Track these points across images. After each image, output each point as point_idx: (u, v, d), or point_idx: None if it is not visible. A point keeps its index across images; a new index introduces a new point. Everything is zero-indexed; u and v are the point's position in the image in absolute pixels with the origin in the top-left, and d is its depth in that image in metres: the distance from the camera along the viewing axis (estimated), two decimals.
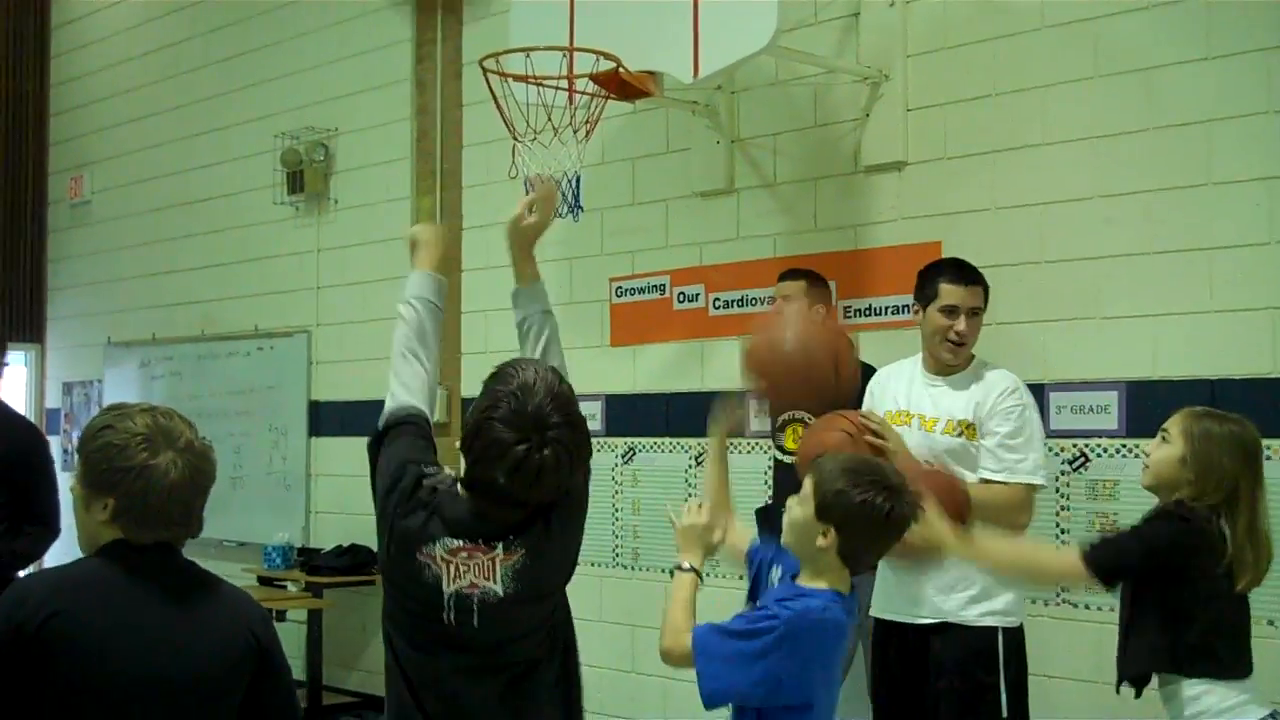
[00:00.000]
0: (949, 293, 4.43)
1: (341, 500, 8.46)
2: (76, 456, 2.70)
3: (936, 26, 5.74)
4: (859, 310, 5.92)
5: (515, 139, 5.64)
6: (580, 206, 5.86)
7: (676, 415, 6.67)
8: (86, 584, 2.55)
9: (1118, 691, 3.66)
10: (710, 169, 6.47)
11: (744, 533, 3.65)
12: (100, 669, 2.46)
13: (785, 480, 5.26)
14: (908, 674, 4.37)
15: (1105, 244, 5.22)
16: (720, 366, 6.47)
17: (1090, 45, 5.30)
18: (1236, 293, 4.91)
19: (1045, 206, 5.39)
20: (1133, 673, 3.57)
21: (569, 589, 2.99)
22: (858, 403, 4.55)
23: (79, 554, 2.69)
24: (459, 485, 2.82)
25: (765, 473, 6.13)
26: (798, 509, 3.09)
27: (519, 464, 2.66)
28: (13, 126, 11.19)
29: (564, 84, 5.55)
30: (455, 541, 2.75)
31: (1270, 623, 4.71)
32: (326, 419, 8.65)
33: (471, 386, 6.43)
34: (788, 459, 5.22)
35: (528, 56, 5.45)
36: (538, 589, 2.80)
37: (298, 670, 8.33)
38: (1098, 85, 5.28)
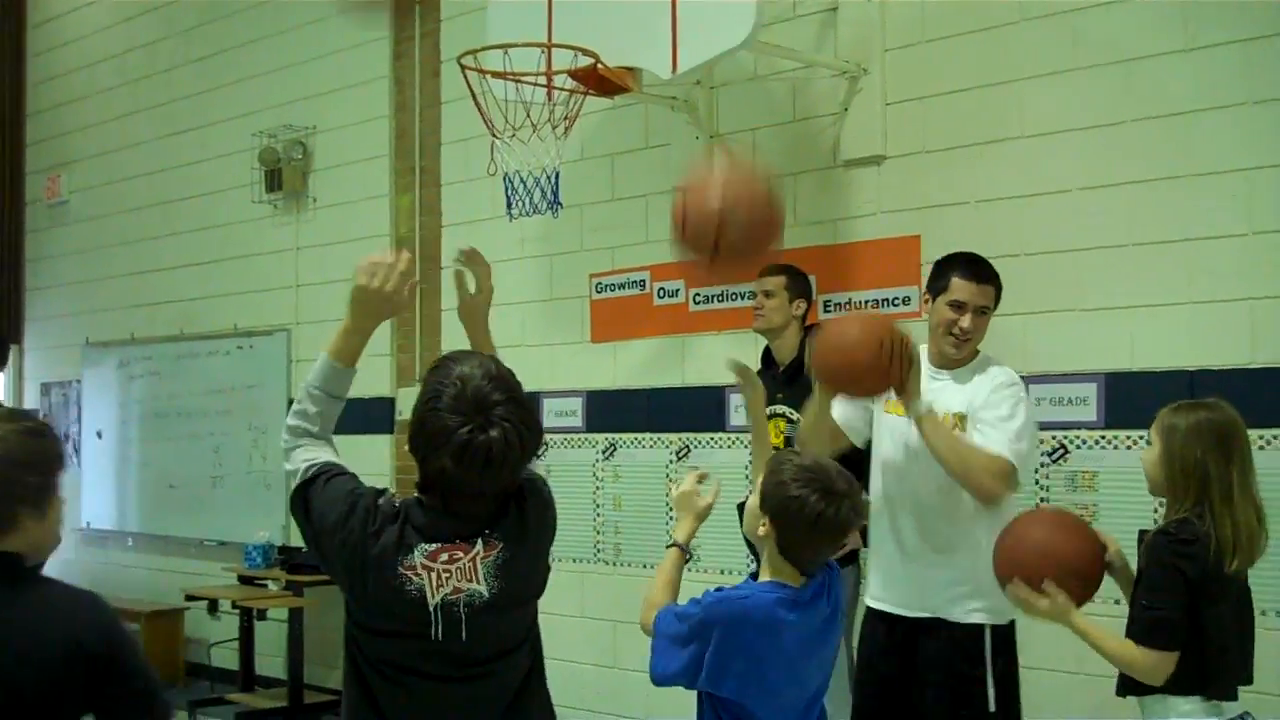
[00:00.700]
0: (959, 288, 4.37)
1: None
2: None
3: (914, 20, 5.75)
4: (839, 304, 5.92)
5: (494, 136, 5.63)
6: (559, 203, 5.86)
7: (657, 411, 6.67)
8: None
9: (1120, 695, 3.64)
10: (689, 164, 6.45)
11: None
12: None
13: None
14: (894, 667, 4.37)
15: (1084, 236, 5.23)
16: (701, 362, 6.48)
17: (1069, 37, 5.30)
18: (1215, 284, 4.92)
19: (1024, 199, 5.40)
20: (1135, 693, 3.56)
21: (550, 584, 2.97)
22: None
23: None
24: (417, 495, 2.79)
25: (745, 467, 6.13)
26: (753, 496, 3.15)
27: (465, 447, 2.62)
28: None
29: (542, 80, 5.55)
30: (432, 545, 2.69)
31: (1262, 613, 4.72)
32: None
33: None
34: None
35: (506, 53, 5.44)
36: (519, 586, 2.76)
37: (279, 669, 8.36)
38: (1076, 77, 5.28)
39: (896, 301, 5.73)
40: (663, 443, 6.63)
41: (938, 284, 4.41)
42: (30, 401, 11.04)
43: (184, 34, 9.68)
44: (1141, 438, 4.99)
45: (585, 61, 5.40)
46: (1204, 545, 3.38)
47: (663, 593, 3.20)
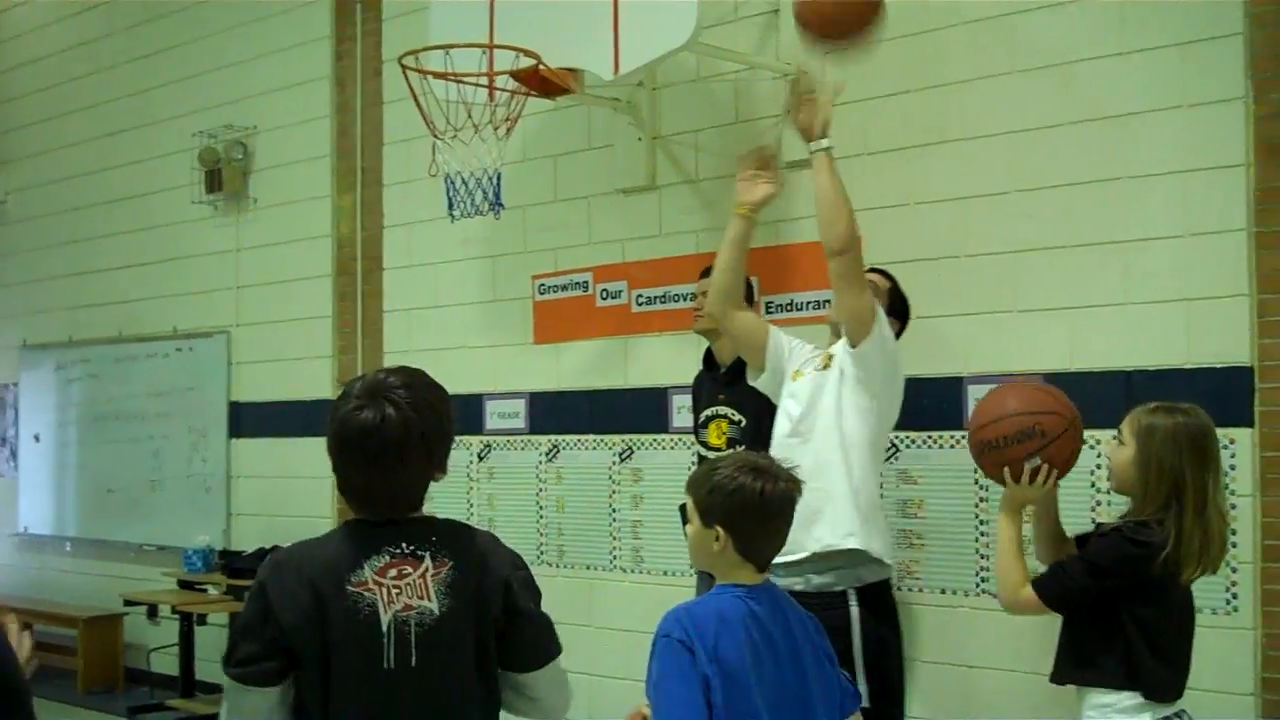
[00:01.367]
0: None
1: (263, 502, 8.38)
2: None
3: None
4: (780, 305, 5.94)
5: (435, 136, 5.61)
6: (501, 204, 5.84)
7: (600, 412, 6.66)
8: None
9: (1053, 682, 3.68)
10: (632, 166, 6.47)
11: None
12: None
13: None
14: None
15: (1022, 237, 5.27)
16: (644, 363, 6.48)
17: (1007, 41, 5.35)
18: (1151, 285, 4.97)
19: (963, 201, 5.43)
20: (1069, 680, 3.59)
21: None
22: None
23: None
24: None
25: (689, 468, 6.13)
26: (690, 528, 3.11)
27: (345, 423, 2.68)
28: None
29: (484, 81, 5.53)
30: (380, 559, 2.68)
31: (1214, 611, 4.78)
32: (247, 420, 8.56)
33: None
34: (711, 455, 5.23)
35: (447, 53, 5.43)
36: (468, 604, 2.71)
37: (218, 674, 8.24)
38: (1014, 80, 5.33)
39: None
40: (606, 444, 6.63)
41: None
42: None
43: (124, 32, 9.59)
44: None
45: (527, 62, 5.39)
46: (1153, 553, 3.42)
47: None
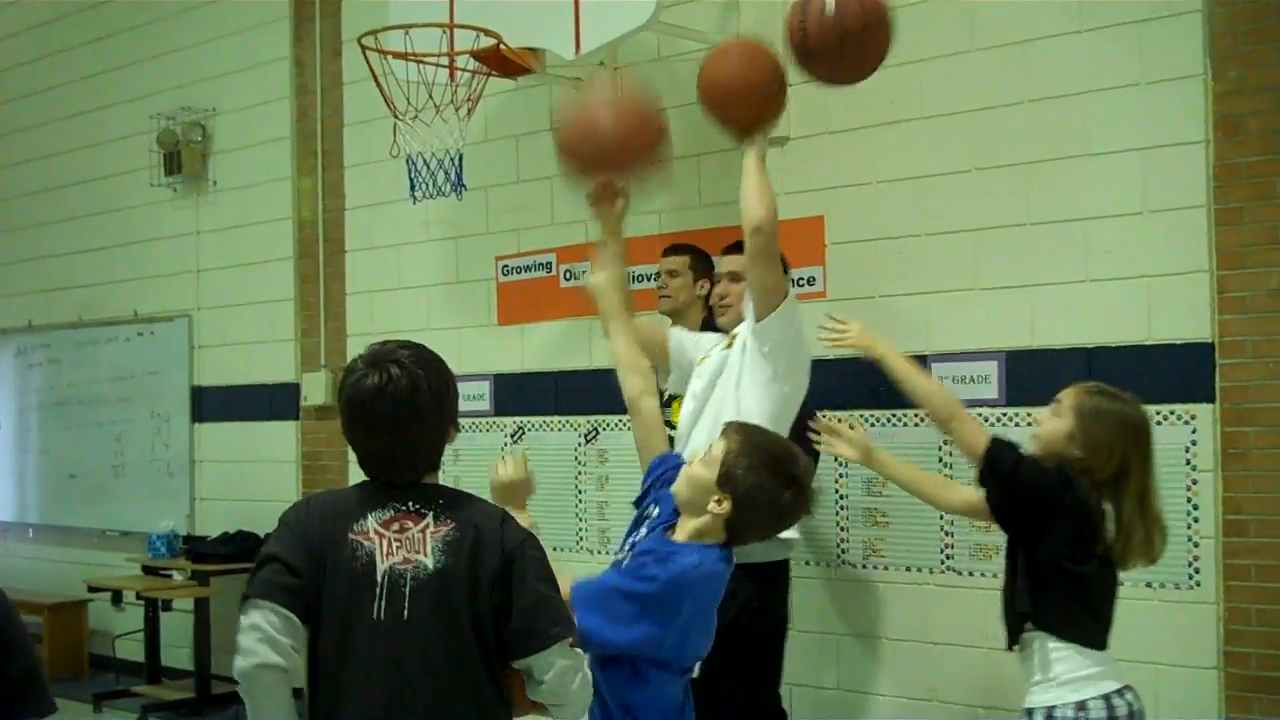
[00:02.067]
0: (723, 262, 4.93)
1: (227, 486, 8.34)
2: None
3: None
4: None
5: (396, 118, 5.59)
6: (463, 185, 5.83)
7: (565, 394, 6.66)
8: None
9: (1009, 649, 3.70)
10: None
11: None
12: None
13: None
14: None
15: (983, 216, 5.29)
16: (608, 344, 6.46)
17: (966, 19, 5.35)
18: (1112, 263, 5.00)
19: (925, 179, 5.45)
20: (1014, 630, 3.62)
21: None
22: None
23: None
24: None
25: None
26: (702, 469, 3.10)
27: (370, 392, 2.73)
28: None
29: (445, 61, 5.51)
30: (386, 512, 2.75)
31: (1148, 584, 4.83)
32: (210, 404, 8.52)
33: None
34: (673, 434, 5.23)
35: (407, 34, 5.41)
36: (465, 565, 2.73)
37: (185, 660, 8.26)
38: (974, 59, 5.34)
39: (801, 282, 5.75)
40: (571, 425, 6.62)
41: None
42: None
43: (80, 14, 9.48)
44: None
45: (488, 42, 5.37)
46: (1077, 495, 3.47)
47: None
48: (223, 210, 8.48)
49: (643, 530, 3.30)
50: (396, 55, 5.46)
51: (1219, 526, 4.76)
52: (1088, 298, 5.05)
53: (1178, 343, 4.85)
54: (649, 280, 6.06)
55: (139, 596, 8.11)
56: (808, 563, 5.72)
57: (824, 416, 4.62)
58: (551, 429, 6.71)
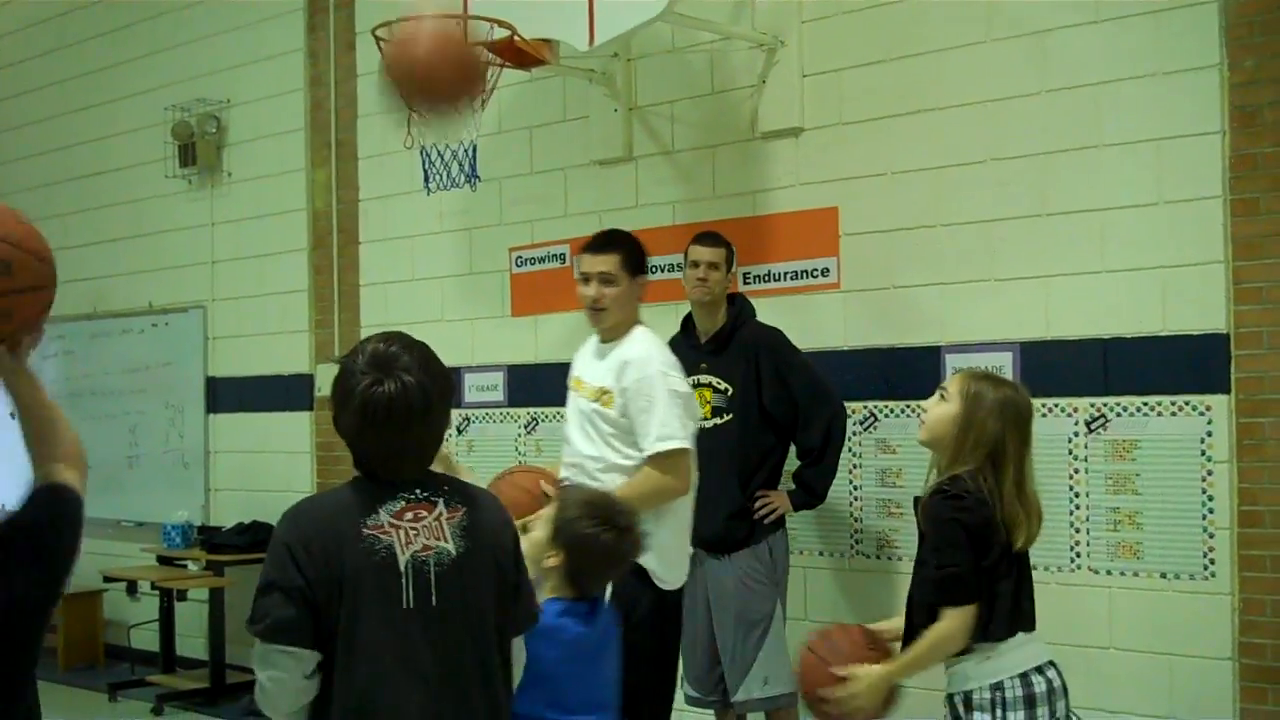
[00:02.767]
0: (580, 261, 4.79)
1: (241, 477, 8.36)
2: None
3: None
4: (758, 276, 5.93)
5: (410, 109, 5.57)
6: (477, 176, 5.83)
7: None
8: None
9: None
10: (608, 137, 6.45)
11: None
12: None
13: None
14: None
15: (998, 206, 5.28)
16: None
17: (983, 10, 5.34)
18: (1127, 253, 4.99)
19: (940, 170, 5.44)
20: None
21: None
22: None
23: None
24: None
25: None
26: (537, 529, 3.44)
27: (367, 398, 2.71)
28: None
29: None
30: (396, 504, 2.74)
31: (1163, 575, 4.82)
32: (224, 395, 8.54)
33: None
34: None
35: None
36: (484, 548, 2.78)
37: (200, 650, 8.28)
38: (990, 49, 5.32)
39: (815, 273, 5.76)
40: None
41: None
42: None
43: (94, 6, 9.49)
44: (1058, 406, 5.07)
45: (502, 33, 5.36)
46: (976, 499, 3.44)
47: None
48: (237, 202, 8.50)
49: None
50: None
51: (1234, 518, 4.75)
52: (1103, 289, 5.04)
53: (1193, 334, 4.84)
54: (664, 271, 6.05)
55: (154, 586, 8.13)
56: (821, 554, 5.73)
57: None
58: (565, 420, 6.70)
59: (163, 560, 8.41)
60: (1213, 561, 4.78)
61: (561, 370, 6.69)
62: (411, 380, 2.73)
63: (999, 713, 3.42)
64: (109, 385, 9.28)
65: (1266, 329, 4.72)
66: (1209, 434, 4.79)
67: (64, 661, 8.81)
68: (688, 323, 5.56)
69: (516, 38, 5.38)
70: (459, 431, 7.08)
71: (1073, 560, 5.06)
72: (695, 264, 5.38)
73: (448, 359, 2.90)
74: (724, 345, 5.31)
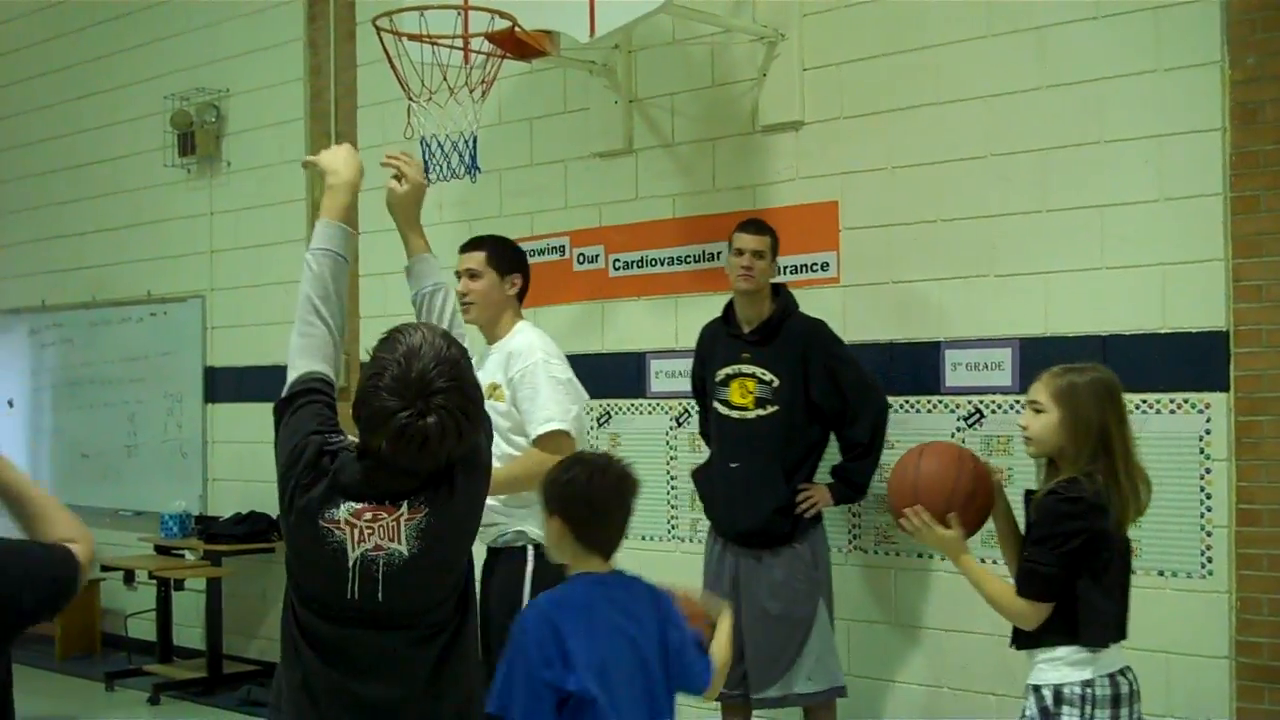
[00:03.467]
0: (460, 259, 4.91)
1: (239, 467, 8.36)
2: None
3: None
4: None
5: (410, 99, 5.57)
6: (477, 167, 5.81)
7: (577, 377, 6.61)
8: None
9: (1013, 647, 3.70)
10: (608, 129, 6.44)
11: None
12: None
13: (728, 435, 5.28)
14: None
15: (999, 202, 5.28)
16: (620, 328, 6.47)
17: (984, 5, 5.33)
18: (1127, 250, 4.98)
19: (940, 165, 5.43)
20: (1028, 643, 3.61)
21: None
22: None
23: None
24: (356, 452, 2.77)
25: (666, 433, 6.17)
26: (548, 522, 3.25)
27: (401, 432, 2.60)
28: None
29: (459, 43, 5.49)
30: (357, 505, 2.69)
31: (1160, 573, 4.82)
32: (223, 385, 8.53)
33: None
34: (734, 414, 5.22)
35: (422, 15, 5.38)
36: (442, 550, 2.74)
37: (197, 640, 8.29)
38: (991, 44, 5.32)
39: (815, 267, 5.75)
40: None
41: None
42: None
43: None
44: None
45: (503, 24, 5.35)
46: (1090, 505, 3.45)
47: None
48: (236, 191, 8.49)
49: None
50: (411, 37, 5.44)
51: (1232, 516, 4.75)
52: (1103, 285, 5.03)
53: (1193, 331, 4.84)
54: (663, 264, 6.05)
55: (151, 576, 8.12)
56: None
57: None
58: None
59: (160, 550, 8.41)
60: (1210, 560, 4.78)
61: None
62: (448, 418, 2.62)
63: (1088, 709, 3.45)
64: (107, 374, 9.28)
65: (1266, 327, 4.71)
66: (1207, 432, 4.79)
67: (61, 651, 8.82)
68: (728, 311, 5.45)
69: (517, 29, 5.38)
70: None
71: None
72: (740, 252, 5.25)
73: None
74: (770, 336, 5.23)
